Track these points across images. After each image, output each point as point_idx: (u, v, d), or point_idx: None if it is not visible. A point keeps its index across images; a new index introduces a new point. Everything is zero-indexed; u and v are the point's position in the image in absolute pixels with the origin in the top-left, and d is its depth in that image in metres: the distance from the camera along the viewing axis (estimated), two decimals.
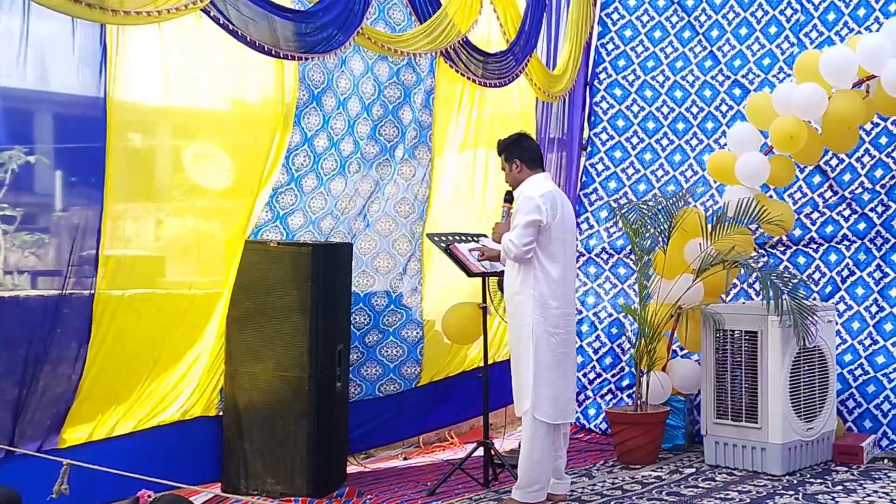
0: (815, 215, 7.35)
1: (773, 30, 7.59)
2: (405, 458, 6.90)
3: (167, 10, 4.77)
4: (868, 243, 7.20)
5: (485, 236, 6.33)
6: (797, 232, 7.36)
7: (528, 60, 7.34)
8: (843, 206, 7.28)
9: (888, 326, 7.05)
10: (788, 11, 7.55)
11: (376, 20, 6.31)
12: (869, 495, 5.80)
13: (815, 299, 6.97)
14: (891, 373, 6.94)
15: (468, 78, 6.93)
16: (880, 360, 7.00)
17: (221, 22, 5.17)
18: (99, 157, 4.92)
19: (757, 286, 7.38)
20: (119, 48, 4.92)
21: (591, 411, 7.70)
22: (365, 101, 6.41)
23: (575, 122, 8.08)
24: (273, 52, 5.47)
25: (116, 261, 5.12)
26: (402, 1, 6.53)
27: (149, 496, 3.91)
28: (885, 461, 6.58)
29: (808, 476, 6.28)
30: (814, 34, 7.37)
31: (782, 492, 5.91)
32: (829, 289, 7.24)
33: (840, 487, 5.99)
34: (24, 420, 4.76)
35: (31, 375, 4.74)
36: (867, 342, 7.08)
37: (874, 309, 7.11)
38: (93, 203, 4.93)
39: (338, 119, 6.24)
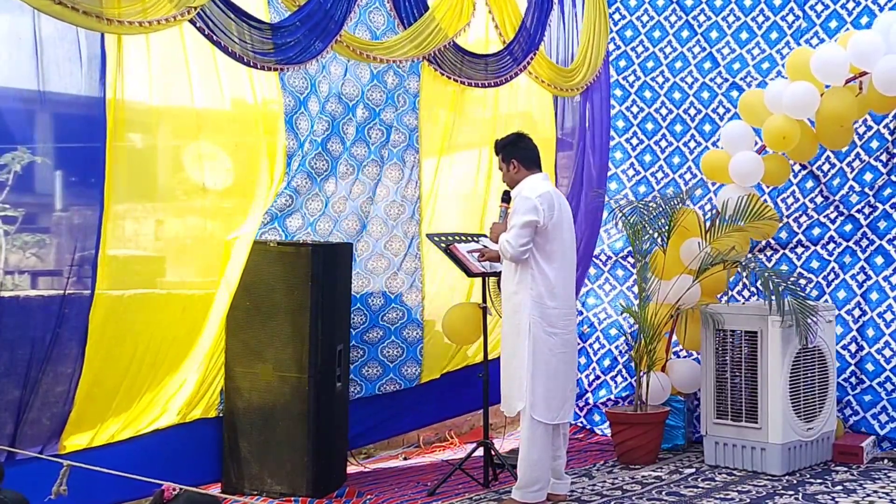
0: (802, 218, 7.34)
1: (773, 35, 7.56)
2: (405, 458, 6.91)
3: (157, 20, 4.92)
4: (853, 245, 7.17)
5: (484, 236, 6.33)
6: (783, 235, 7.36)
7: (532, 58, 7.23)
8: (831, 208, 7.26)
9: (870, 332, 7.02)
10: (790, 17, 7.51)
11: (357, 24, 6.26)
12: (869, 495, 5.81)
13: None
14: (884, 381, 6.93)
15: (458, 81, 6.83)
16: (870, 367, 6.99)
17: (206, 33, 5.28)
18: (99, 158, 4.94)
19: (747, 292, 7.39)
20: (118, 50, 4.96)
21: (593, 413, 7.70)
22: (349, 103, 6.38)
23: (597, 119, 7.91)
24: (252, 64, 5.56)
25: (116, 261, 5.12)
26: (385, 4, 6.45)
27: (173, 490, 3.88)
28: (885, 461, 6.58)
29: (808, 476, 6.29)
30: (815, 41, 7.32)
31: (782, 492, 5.92)
32: (815, 293, 7.20)
33: (840, 487, 5.99)
34: (25, 422, 4.76)
35: (31, 377, 4.74)
36: (853, 348, 7.05)
37: (857, 312, 7.08)
38: (93, 203, 4.94)
39: (321, 122, 6.20)
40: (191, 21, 5.17)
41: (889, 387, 6.91)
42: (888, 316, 6.98)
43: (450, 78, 6.81)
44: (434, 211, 6.95)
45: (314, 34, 5.80)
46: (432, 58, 6.66)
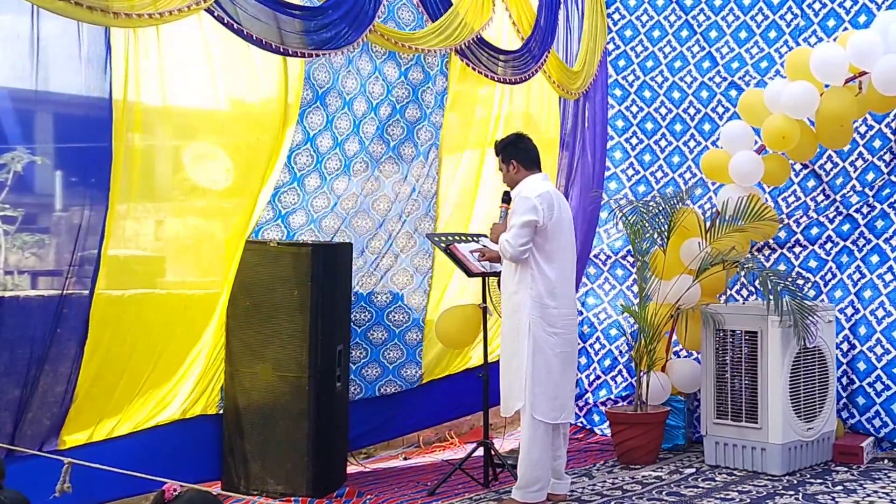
0: (802, 219, 7.33)
1: (772, 34, 7.56)
2: (405, 458, 6.90)
3: (169, 11, 4.77)
4: (850, 245, 7.17)
5: (485, 236, 6.33)
6: (782, 234, 7.36)
7: (547, 56, 7.22)
8: (831, 208, 7.26)
9: (862, 330, 7.00)
10: (789, 16, 7.52)
11: (386, 20, 6.28)
12: (869, 495, 5.81)
13: None
14: (874, 382, 6.93)
15: (486, 76, 6.83)
16: (861, 366, 6.98)
17: (226, 21, 5.13)
18: (100, 158, 4.92)
19: (745, 292, 7.38)
20: (124, 48, 4.91)
21: (593, 413, 7.70)
22: (373, 102, 6.39)
23: (596, 118, 7.90)
24: (281, 50, 5.45)
25: (117, 261, 5.12)
26: (412, 0, 6.49)
27: (174, 489, 3.87)
28: (885, 461, 6.58)
29: (808, 476, 6.29)
30: (813, 40, 7.33)
31: (782, 492, 5.92)
32: (812, 293, 7.19)
33: (840, 488, 5.99)
34: (25, 420, 4.76)
35: (31, 376, 4.74)
36: (845, 346, 7.03)
37: (850, 311, 7.07)
38: (93, 203, 4.92)
39: (342, 119, 6.23)
40: (208, 10, 5.01)
41: (879, 387, 6.90)
42: (880, 313, 6.98)
43: (480, 73, 6.78)
44: (448, 210, 6.97)
45: (345, 22, 5.76)
46: (462, 52, 6.65)
